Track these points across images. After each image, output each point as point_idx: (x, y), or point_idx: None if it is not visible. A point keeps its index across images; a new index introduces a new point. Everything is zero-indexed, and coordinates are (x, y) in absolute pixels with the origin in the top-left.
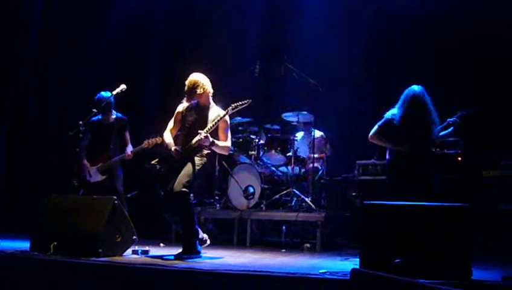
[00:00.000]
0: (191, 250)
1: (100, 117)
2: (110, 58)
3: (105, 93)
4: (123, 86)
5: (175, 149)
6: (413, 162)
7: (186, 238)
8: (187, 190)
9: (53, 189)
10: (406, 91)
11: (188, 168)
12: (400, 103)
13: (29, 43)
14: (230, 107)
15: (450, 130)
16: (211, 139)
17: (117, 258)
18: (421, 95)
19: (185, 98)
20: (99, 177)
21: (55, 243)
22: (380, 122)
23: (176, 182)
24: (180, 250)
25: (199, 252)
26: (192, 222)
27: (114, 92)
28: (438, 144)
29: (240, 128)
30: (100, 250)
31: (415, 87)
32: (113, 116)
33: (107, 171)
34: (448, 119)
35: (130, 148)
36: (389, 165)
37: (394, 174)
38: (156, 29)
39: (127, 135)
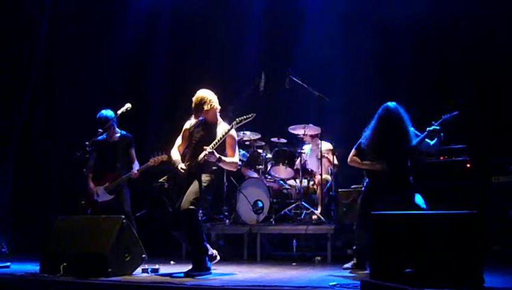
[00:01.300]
0: (200, 267)
1: (105, 136)
2: (116, 75)
3: (106, 112)
4: (128, 105)
5: (181, 167)
6: (390, 181)
7: (196, 255)
8: (194, 207)
9: (61, 210)
10: (379, 110)
11: (195, 185)
12: (372, 122)
13: (36, 60)
14: (235, 122)
15: (435, 140)
16: (217, 155)
17: (127, 278)
18: (392, 111)
19: (193, 115)
20: (107, 197)
21: (65, 264)
22: (356, 145)
23: (183, 200)
24: (190, 267)
25: (209, 269)
26: (201, 239)
27: (119, 111)
28: (434, 154)
29: (247, 142)
30: (109, 270)
31: (387, 105)
32: (118, 135)
33: (114, 191)
34: (428, 129)
35: (136, 167)
36: (365, 187)
37: (369, 197)
38: (160, 47)
39: (133, 152)
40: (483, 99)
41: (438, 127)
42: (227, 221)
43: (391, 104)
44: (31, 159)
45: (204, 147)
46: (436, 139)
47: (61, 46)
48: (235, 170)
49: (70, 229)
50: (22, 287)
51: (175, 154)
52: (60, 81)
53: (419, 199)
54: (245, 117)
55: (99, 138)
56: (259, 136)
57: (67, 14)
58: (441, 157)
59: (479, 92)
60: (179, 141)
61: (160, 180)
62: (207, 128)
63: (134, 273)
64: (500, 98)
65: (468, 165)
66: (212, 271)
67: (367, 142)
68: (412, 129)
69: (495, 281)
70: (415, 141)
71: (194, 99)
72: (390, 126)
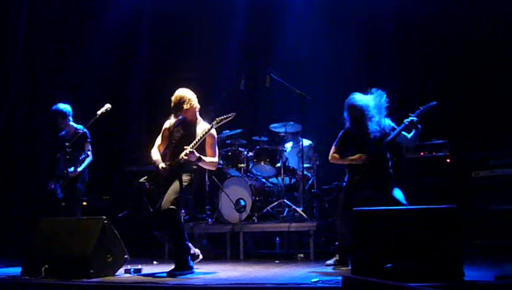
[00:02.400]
0: (183, 266)
1: (64, 132)
2: (96, 78)
3: (63, 106)
4: (108, 106)
5: (162, 167)
6: (369, 175)
7: (178, 254)
8: (175, 207)
9: (41, 211)
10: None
11: (176, 185)
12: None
13: (14, 62)
14: (215, 122)
15: (413, 133)
16: (197, 154)
17: (109, 278)
18: (357, 103)
19: (172, 114)
20: (61, 194)
21: (47, 266)
22: (335, 142)
23: (164, 200)
24: (173, 267)
25: (192, 268)
26: (183, 238)
27: (99, 112)
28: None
29: (228, 141)
30: (91, 271)
31: (352, 96)
32: (73, 130)
33: (67, 188)
34: (405, 121)
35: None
36: (346, 182)
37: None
38: (139, 48)
39: (87, 146)
40: (463, 94)
41: (415, 118)
42: (210, 220)
43: (351, 96)
44: (11, 158)
45: (185, 147)
46: (413, 131)
47: (40, 47)
48: (214, 169)
49: (52, 231)
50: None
51: (155, 154)
52: (39, 81)
53: (399, 195)
54: (225, 117)
55: (60, 135)
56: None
57: (46, 14)
58: (421, 153)
59: (460, 86)
60: (158, 140)
61: (141, 180)
62: (187, 128)
63: (116, 274)
64: (480, 92)
65: (448, 161)
66: (195, 270)
67: (341, 138)
68: (388, 122)
69: (475, 275)
70: (392, 134)
71: (173, 98)
72: (355, 120)
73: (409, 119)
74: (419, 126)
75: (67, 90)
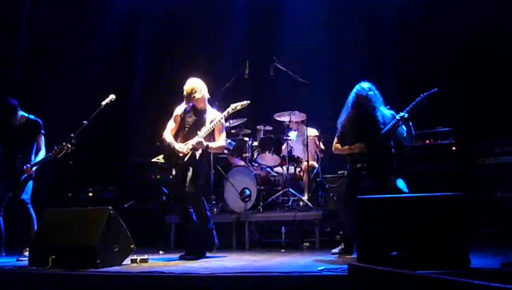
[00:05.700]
0: (196, 251)
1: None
2: (99, 69)
3: (12, 100)
4: (112, 96)
5: (179, 147)
6: (370, 164)
7: (196, 243)
8: (198, 193)
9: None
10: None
11: (194, 171)
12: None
13: (17, 58)
14: (230, 108)
15: (405, 130)
16: (205, 143)
17: (115, 268)
18: (362, 93)
19: (184, 102)
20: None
21: (53, 256)
22: (337, 133)
23: (186, 186)
24: (180, 254)
25: (204, 254)
26: (208, 220)
27: (103, 102)
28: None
29: (233, 131)
30: (98, 261)
31: (357, 86)
32: (24, 118)
33: (16, 185)
34: (397, 117)
35: (35, 160)
36: (348, 172)
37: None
38: (143, 36)
39: (41, 139)
40: (469, 82)
41: (406, 114)
42: (215, 209)
43: (359, 86)
44: None
45: (198, 133)
46: (405, 128)
47: (43, 37)
48: (222, 151)
49: (58, 221)
50: (11, 280)
51: (168, 136)
52: (42, 73)
53: (401, 184)
54: (240, 104)
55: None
56: (244, 120)
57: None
58: (427, 141)
59: (465, 74)
60: (171, 125)
61: (154, 159)
62: (198, 114)
63: (123, 263)
64: (486, 79)
65: (454, 148)
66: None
67: (342, 128)
68: (388, 111)
69: (481, 262)
70: (385, 128)
71: (185, 88)
72: (359, 109)
73: (399, 116)
74: (410, 123)
75: (69, 83)
